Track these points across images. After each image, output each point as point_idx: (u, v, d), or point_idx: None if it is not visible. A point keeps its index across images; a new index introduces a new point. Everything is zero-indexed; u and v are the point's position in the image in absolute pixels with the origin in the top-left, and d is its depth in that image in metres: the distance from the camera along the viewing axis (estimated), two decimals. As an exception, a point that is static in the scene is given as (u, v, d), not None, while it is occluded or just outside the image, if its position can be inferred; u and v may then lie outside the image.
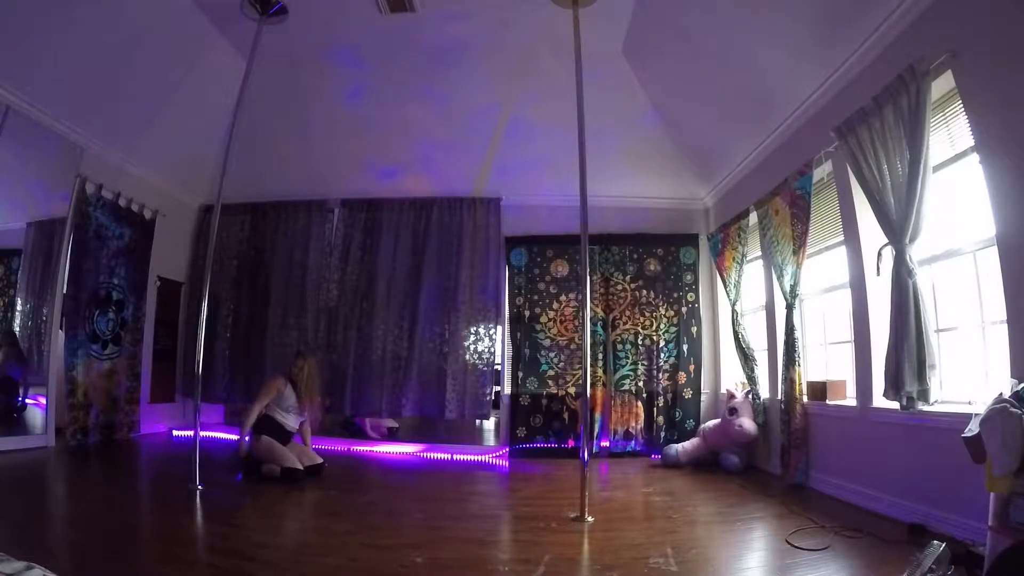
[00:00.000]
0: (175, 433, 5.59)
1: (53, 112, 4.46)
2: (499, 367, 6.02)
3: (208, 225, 5.20)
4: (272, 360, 5.83)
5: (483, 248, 5.92)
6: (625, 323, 5.67)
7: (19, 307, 4.61)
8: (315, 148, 5.80)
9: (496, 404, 6.05)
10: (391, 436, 6.00)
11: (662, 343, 5.62)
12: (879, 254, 3.10)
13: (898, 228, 2.90)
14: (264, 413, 4.04)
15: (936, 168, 2.90)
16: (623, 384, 5.60)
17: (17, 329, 4.58)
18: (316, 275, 6.06)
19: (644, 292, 5.71)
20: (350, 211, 6.18)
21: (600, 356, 5.62)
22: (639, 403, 5.54)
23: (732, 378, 5.39)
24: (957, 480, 2.55)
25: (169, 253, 5.94)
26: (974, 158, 2.71)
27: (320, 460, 4.07)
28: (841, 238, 3.73)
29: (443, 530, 2.80)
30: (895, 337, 2.86)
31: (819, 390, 3.84)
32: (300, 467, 3.82)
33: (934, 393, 2.77)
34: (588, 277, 3.67)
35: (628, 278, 5.74)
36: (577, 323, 5.65)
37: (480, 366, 5.75)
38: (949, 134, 2.94)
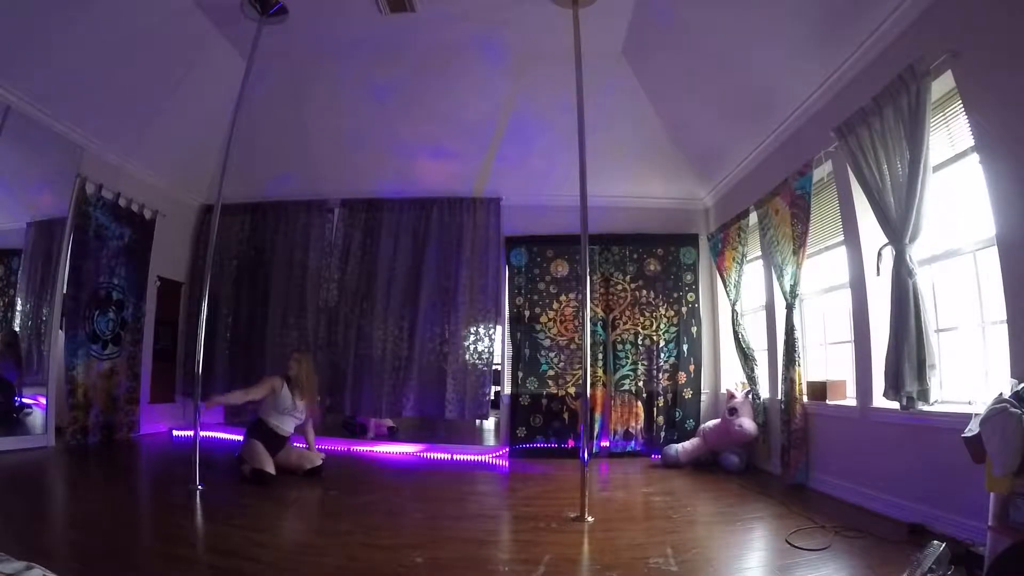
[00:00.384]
0: (175, 433, 5.59)
1: (53, 112, 4.45)
2: (499, 367, 6.02)
3: (208, 225, 5.20)
4: (272, 360, 5.81)
5: (483, 248, 5.91)
6: (625, 323, 5.66)
7: (19, 307, 4.61)
8: (315, 148, 5.80)
9: (496, 404, 6.05)
10: (391, 436, 6.00)
11: (662, 343, 5.62)
12: (879, 254, 3.10)
13: (898, 228, 2.90)
14: (258, 416, 4.02)
15: (936, 168, 2.90)
16: (623, 384, 5.60)
17: (17, 329, 4.59)
18: (316, 275, 6.05)
19: (644, 292, 5.71)
20: (350, 211, 6.18)
21: (600, 356, 5.62)
22: (639, 403, 5.54)
23: (732, 378, 5.39)
24: (957, 480, 2.54)
25: (169, 253, 5.94)
26: (974, 158, 2.71)
27: (320, 462, 4.04)
28: (841, 238, 3.73)
29: (443, 530, 2.80)
30: (895, 337, 2.86)
31: (819, 390, 3.84)
32: (271, 471, 3.72)
33: (934, 393, 2.77)
34: (588, 277, 3.67)
35: (628, 278, 5.74)
36: (577, 323, 5.65)
37: (480, 366, 5.74)
38: (949, 134, 2.94)
